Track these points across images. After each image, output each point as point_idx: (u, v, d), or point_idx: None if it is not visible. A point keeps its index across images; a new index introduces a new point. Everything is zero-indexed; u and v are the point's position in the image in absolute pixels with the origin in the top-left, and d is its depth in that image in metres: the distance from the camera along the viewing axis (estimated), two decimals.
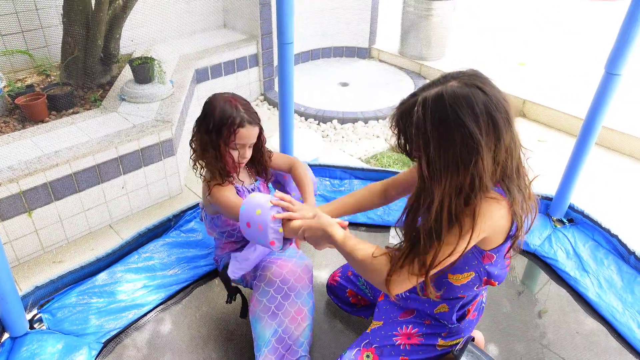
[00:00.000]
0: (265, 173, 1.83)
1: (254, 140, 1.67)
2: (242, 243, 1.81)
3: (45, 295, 1.96)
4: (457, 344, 1.45)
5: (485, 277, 1.30)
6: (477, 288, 1.34)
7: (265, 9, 4.17)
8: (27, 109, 3.01)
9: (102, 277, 2.05)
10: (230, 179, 1.66)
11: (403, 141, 1.16)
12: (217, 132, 1.59)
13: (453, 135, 1.05)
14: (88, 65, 3.41)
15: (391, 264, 1.20)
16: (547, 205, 2.44)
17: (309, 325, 1.64)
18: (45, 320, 1.86)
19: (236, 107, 1.60)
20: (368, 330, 1.51)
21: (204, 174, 1.71)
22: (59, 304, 1.92)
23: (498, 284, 1.34)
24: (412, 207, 1.19)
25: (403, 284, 1.19)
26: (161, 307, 2.01)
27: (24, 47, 3.54)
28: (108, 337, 1.84)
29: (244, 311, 1.87)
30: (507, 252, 1.26)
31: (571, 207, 2.40)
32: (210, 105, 1.63)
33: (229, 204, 1.58)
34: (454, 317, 1.40)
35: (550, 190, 2.44)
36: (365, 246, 1.28)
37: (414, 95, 1.14)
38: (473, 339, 1.61)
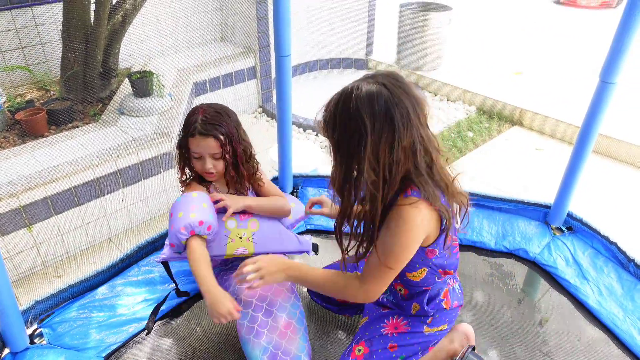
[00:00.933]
0: (241, 185, 1.79)
1: (211, 151, 1.64)
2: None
3: (46, 310, 1.96)
4: (443, 330, 1.54)
5: (441, 270, 1.43)
6: (438, 279, 1.46)
7: (262, 22, 4.21)
8: (27, 124, 3.02)
9: (102, 290, 2.05)
10: (208, 184, 1.77)
11: (324, 123, 1.30)
12: (180, 139, 1.70)
13: (350, 123, 1.20)
14: (87, 80, 3.43)
15: (361, 275, 1.35)
16: (545, 213, 2.45)
17: (303, 337, 1.60)
18: (46, 334, 1.85)
19: (196, 117, 1.63)
20: (357, 330, 1.61)
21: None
22: (59, 318, 1.91)
23: (454, 272, 1.51)
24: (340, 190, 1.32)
25: (378, 287, 1.33)
26: (162, 320, 2.00)
27: (23, 62, 3.57)
28: (109, 351, 1.84)
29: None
30: (445, 243, 1.37)
31: (570, 215, 2.41)
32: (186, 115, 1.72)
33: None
34: (429, 309, 1.49)
35: (549, 199, 2.45)
36: (329, 277, 1.44)
37: (343, 88, 1.28)
38: (474, 348, 1.63)
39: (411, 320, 1.52)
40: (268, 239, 1.75)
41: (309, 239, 1.93)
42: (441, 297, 1.50)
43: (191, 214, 1.59)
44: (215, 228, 1.63)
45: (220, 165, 1.69)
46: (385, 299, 1.62)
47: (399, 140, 1.17)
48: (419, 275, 1.43)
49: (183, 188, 1.82)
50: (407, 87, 1.23)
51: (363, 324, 1.61)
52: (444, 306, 1.51)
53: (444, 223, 1.31)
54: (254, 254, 1.70)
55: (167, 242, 1.72)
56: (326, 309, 1.94)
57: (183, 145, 1.69)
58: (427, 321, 1.52)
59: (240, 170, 1.74)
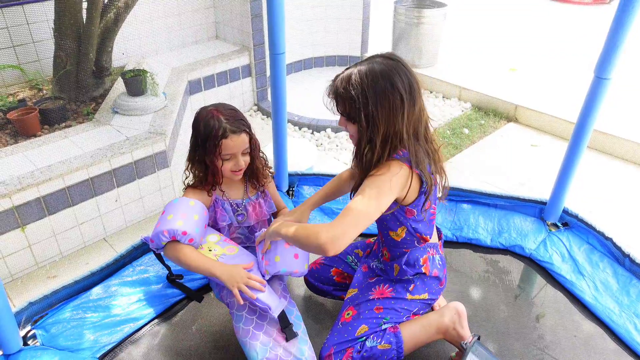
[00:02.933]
0: (257, 181, 1.81)
1: (244, 146, 1.66)
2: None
3: (39, 311, 1.94)
4: (424, 299, 1.66)
5: (418, 234, 1.58)
6: (418, 245, 1.61)
7: (256, 20, 4.19)
8: (19, 123, 3.00)
9: (96, 291, 2.03)
10: (210, 188, 1.72)
11: (344, 104, 1.43)
12: (204, 146, 1.63)
13: (386, 93, 1.37)
14: (80, 79, 3.41)
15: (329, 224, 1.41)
16: (541, 209, 2.45)
17: (301, 339, 1.59)
18: (39, 336, 1.84)
19: (218, 119, 1.60)
20: (346, 298, 1.74)
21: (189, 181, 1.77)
22: (53, 319, 1.90)
23: (430, 238, 1.63)
24: (356, 155, 1.50)
25: (342, 228, 1.35)
26: (157, 320, 1.99)
27: (15, 61, 3.54)
28: (103, 351, 1.82)
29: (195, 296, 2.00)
30: (424, 206, 1.51)
31: (565, 211, 2.41)
32: (195, 122, 1.66)
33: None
34: (407, 270, 1.62)
35: (544, 195, 2.45)
36: (306, 225, 1.55)
37: (347, 69, 1.44)
38: (479, 338, 1.63)
39: (395, 287, 1.66)
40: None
41: (282, 303, 1.61)
42: (420, 262, 1.62)
43: (179, 221, 1.60)
44: (196, 242, 1.64)
45: (248, 159, 1.70)
46: (375, 266, 1.76)
47: (417, 106, 1.41)
48: (399, 234, 1.59)
49: (185, 188, 1.78)
50: (406, 63, 1.45)
51: (352, 295, 1.73)
52: (424, 271, 1.62)
53: (424, 186, 1.47)
54: None
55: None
56: (323, 295, 1.97)
57: (210, 152, 1.62)
58: (409, 288, 1.65)
59: (256, 164, 1.77)
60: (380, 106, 1.38)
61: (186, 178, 1.77)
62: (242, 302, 1.53)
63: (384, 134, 1.39)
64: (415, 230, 1.57)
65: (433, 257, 1.66)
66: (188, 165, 1.73)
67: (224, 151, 1.62)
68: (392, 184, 1.40)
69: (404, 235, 1.59)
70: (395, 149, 1.42)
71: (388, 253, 1.69)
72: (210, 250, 1.69)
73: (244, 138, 1.64)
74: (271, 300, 1.58)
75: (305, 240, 1.42)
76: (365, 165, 1.46)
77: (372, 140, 1.41)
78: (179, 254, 1.60)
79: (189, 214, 1.64)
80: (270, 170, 1.88)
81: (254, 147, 1.72)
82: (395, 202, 1.48)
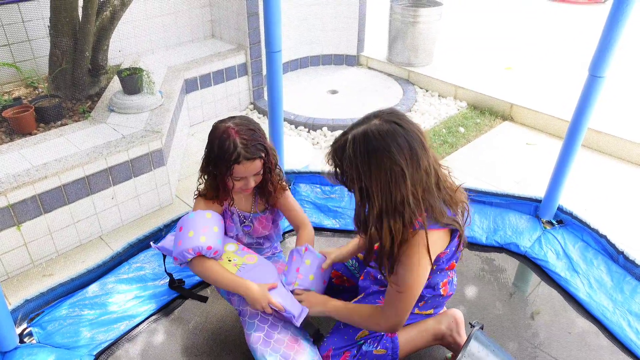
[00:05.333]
0: (267, 202, 1.81)
1: (256, 171, 1.64)
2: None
3: (35, 309, 1.94)
4: (429, 314, 1.65)
5: (446, 266, 1.53)
6: (440, 272, 1.55)
7: (253, 19, 4.19)
8: (14, 121, 2.99)
9: (92, 288, 2.03)
10: (222, 199, 1.74)
11: (340, 174, 1.37)
12: (215, 165, 1.62)
13: (382, 164, 1.27)
14: (76, 77, 3.40)
15: (384, 312, 1.47)
16: (536, 207, 2.47)
17: (311, 351, 1.61)
18: (36, 333, 1.84)
19: (234, 142, 1.56)
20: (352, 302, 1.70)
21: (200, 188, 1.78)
22: (49, 316, 1.90)
23: (456, 262, 1.58)
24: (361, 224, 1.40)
25: (397, 313, 1.45)
26: (153, 317, 1.99)
27: (10, 59, 3.53)
28: (100, 349, 1.83)
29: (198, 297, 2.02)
30: (458, 247, 1.49)
31: (560, 209, 2.43)
32: (211, 136, 1.64)
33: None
34: (427, 294, 1.58)
35: (540, 192, 2.46)
36: (358, 309, 1.59)
37: (344, 134, 1.36)
38: (482, 327, 1.64)
39: None
40: (253, 278, 1.68)
41: (305, 310, 1.65)
42: (440, 285, 1.58)
43: (202, 236, 1.63)
44: (220, 253, 1.69)
45: (259, 178, 1.69)
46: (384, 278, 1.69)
47: (421, 167, 1.29)
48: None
49: (196, 197, 1.78)
50: (407, 118, 1.34)
51: (357, 300, 1.71)
52: (441, 293, 1.59)
53: (456, 233, 1.42)
54: None
55: (169, 236, 1.79)
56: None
57: (221, 172, 1.62)
58: (420, 304, 1.61)
59: (268, 186, 1.75)
60: (375, 181, 1.29)
61: (199, 185, 1.76)
62: (270, 311, 1.60)
63: (379, 208, 1.30)
64: (446, 264, 1.53)
65: (452, 279, 1.64)
66: (201, 175, 1.73)
67: (235, 174, 1.61)
68: (424, 263, 1.36)
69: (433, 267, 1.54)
70: (403, 217, 1.31)
71: None
72: (230, 261, 1.71)
73: (257, 164, 1.62)
74: (295, 309, 1.62)
75: (362, 325, 1.57)
76: (373, 240, 1.39)
77: (368, 217, 1.34)
78: (205, 270, 1.66)
79: (209, 226, 1.67)
80: (283, 183, 1.83)
81: (267, 170, 1.69)
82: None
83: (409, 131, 1.29)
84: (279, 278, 1.72)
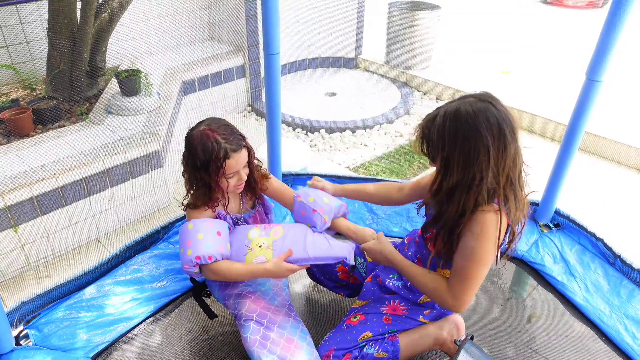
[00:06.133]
0: (253, 193, 1.81)
1: (245, 161, 1.66)
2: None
3: (32, 311, 1.93)
4: (432, 319, 1.63)
5: None
6: None
7: (251, 21, 4.20)
8: (12, 123, 2.99)
9: (89, 290, 2.03)
10: (213, 204, 1.71)
11: (425, 145, 1.39)
12: (206, 169, 1.60)
13: (469, 138, 1.28)
14: (74, 79, 3.40)
15: (449, 287, 1.44)
16: (533, 210, 2.47)
17: (307, 350, 1.61)
18: (32, 336, 1.83)
19: (216, 140, 1.56)
20: (354, 306, 1.71)
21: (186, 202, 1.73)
22: (46, 319, 1.89)
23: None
24: (435, 194, 1.41)
25: (465, 290, 1.41)
26: (150, 319, 1.98)
27: (8, 61, 3.52)
28: (96, 351, 1.82)
29: (209, 312, 1.92)
30: (505, 252, 1.45)
31: (557, 212, 2.43)
32: (190, 145, 1.61)
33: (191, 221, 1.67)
34: (436, 305, 1.59)
35: (537, 196, 2.46)
36: (421, 271, 1.52)
37: (437, 109, 1.37)
38: (472, 337, 1.64)
39: (411, 308, 1.62)
40: (291, 246, 1.67)
41: (350, 245, 1.70)
42: None
43: (205, 245, 1.61)
44: (225, 255, 1.65)
45: (248, 170, 1.70)
46: (392, 284, 1.68)
47: (509, 152, 1.30)
48: (448, 274, 1.49)
49: (185, 210, 1.75)
50: (504, 105, 1.34)
51: (361, 305, 1.71)
52: None
53: (508, 235, 1.41)
54: None
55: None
56: (322, 285, 1.98)
57: (214, 174, 1.61)
58: (425, 312, 1.62)
59: (254, 175, 1.76)
60: (459, 154, 1.30)
61: (185, 199, 1.73)
62: (299, 269, 1.62)
63: (456, 181, 1.32)
64: None
65: None
66: (188, 189, 1.70)
67: (228, 171, 1.61)
68: (492, 242, 1.35)
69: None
70: (480, 197, 1.32)
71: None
72: (260, 246, 1.69)
73: (244, 153, 1.64)
74: (340, 251, 1.65)
75: (429, 294, 1.50)
76: (443, 214, 1.39)
77: (442, 186, 1.35)
78: (219, 276, 1.64)
79: (212, 233, 1.65)
80: (264, 170, 1.84)
81: (250, 158, 1.70)
82: None
83: (501, 112, 1.29)
84: (311, 231, 1.72)
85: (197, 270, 1.63)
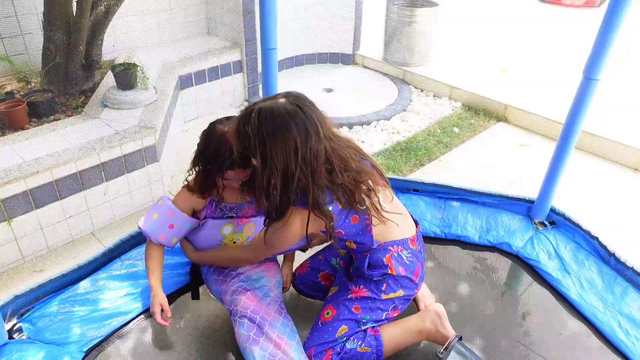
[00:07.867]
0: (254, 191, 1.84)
1: (246, 176, 1.69)
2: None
3: (25, 305, 1.93)
4: (400, 296, 1.68)
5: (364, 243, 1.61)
6: (374, 247, 1.61)
7: (248, 17, 4.18)
8: (6, 116, 2.96)
9: (84, 285, 2.02)
10: (205, 195, 1.78)
11: (243, 141, 1.45)
12: (208, 162, 1.67)
13: (283, 136, 1.39)
14: (69, 72, 3.37)
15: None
16: (529, 208, 2.48)
17: (297, 349, 1.64)
18: (25, 329, 1.82)
19: (230, 149, 1.60)
20: (327, 296, 1.78)
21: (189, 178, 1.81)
22: (40, 312, 1.88)
23: (405, 242, 1.65)
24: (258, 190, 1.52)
25: (254, 255, 1.75)
26: (144, 314, 1.98)
27: (3, 53, 3.49)
28: (90, 345, 1.81)
29: (195, 293, 2.04)
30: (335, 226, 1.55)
31: (552, 210, 2.44)
32: (207, 135, 1.68)
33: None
34: (370, 273, 1.63)
35: (533, 194, 2.47)
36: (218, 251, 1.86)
37: (250, 106, 1.46)
38: (461, 338, 1.65)
39: (370, 287, 1.67)
40: None
41: None
42: (385, 262, 1.62)
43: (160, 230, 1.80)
44: (157, 240, 1.82)
45: (247, 179, 1.74)
46: (352, 270, 1.77)
47: (313, 149, 1.42)
48: (350, 245, 1.64)
49: (183, 186, 1.83)
50: (312, 104, 1.49)
51: (332, 293, 1.77)
52: (389, 272, 1.62)
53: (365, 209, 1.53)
54: None
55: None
56: (313, 299, 2.00)
57: (213, 170, 1.68)
58: (382, 288, 1.66)
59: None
60: (275, 149, 1.40)
61: (188, 175, 1.80)
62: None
63: (277, 173, 1.42)
64: (360, 242, 1.61)
65: (399, 254, 1.65)
66: (192, 167, 1.76)
67: (226, 176, 1.68)
68: (290, 235, 1.53)
69: (354, 246, 1.64)
70: (289, 188, 1.44)
71: (353, 255, 1.73)
72: (234, 243, 1.83)
73: (248, 172, 1.67)
74: None
75: (234, 262, 1.82)
76: (272, 207, 1.51)
77: (270, 181, 1.44)
78: (147, 252, 1.86)
79: (167, 224, 1.80)
80: None
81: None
82: (325, 232, 1.55)
83: (308, 117, 1.43)
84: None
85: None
